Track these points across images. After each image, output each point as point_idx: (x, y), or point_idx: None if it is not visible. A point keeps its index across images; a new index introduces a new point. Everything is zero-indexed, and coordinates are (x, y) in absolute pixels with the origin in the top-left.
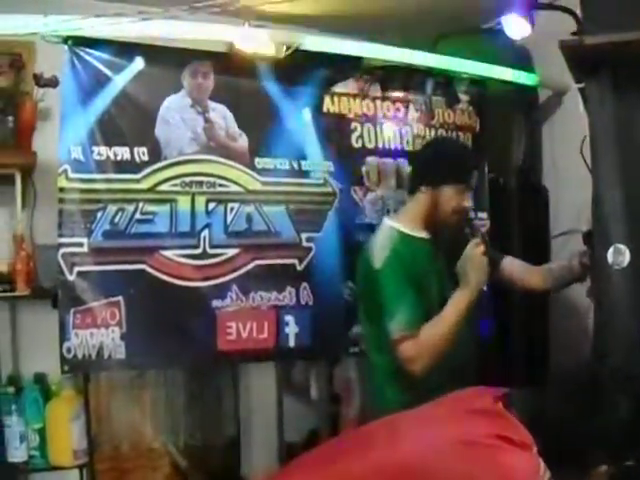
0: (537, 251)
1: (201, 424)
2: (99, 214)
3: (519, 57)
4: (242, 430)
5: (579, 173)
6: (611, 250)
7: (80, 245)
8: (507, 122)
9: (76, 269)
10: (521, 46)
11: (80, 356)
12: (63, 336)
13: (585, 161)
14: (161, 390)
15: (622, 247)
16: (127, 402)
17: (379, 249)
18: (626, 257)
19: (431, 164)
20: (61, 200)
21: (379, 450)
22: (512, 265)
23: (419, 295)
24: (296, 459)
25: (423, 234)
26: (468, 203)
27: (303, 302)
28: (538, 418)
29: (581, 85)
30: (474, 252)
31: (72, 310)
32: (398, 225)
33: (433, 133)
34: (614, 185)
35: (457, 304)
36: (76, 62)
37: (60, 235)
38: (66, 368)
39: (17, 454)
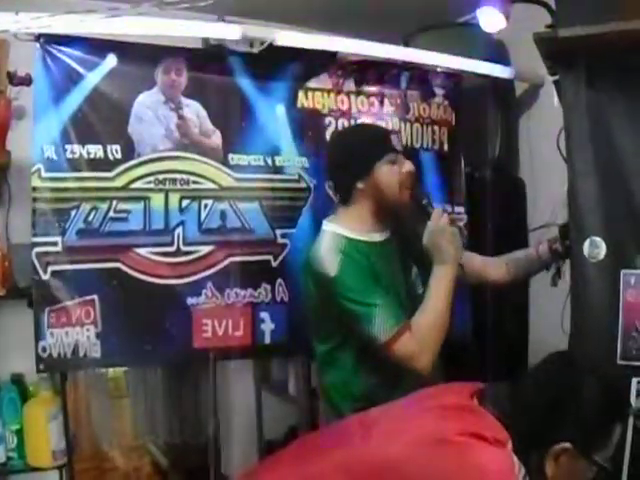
0: (515, 245)
1: (180, 422)
2: (73, 213)
3: (494, 50)
4: (221, 428)
5: (556, 166)
6: (587, 243)
7: (54, 244)
8: (483, 115)
9: (50, 268)
10: (496, 39)
11: (55, 355)
12: (38, 335)
13: (561, 154)
14: (140, 389)
15: (598, 240)
16: (106, 401)
17: (327, 256)
18: (602, 250)
19: (351, 157)
20: (35, 199)
21: (352, 448)
22: (470, 260)
23: (389, 291)
24: (271, 457)
25: (376, 236)
26: (410, 167)
27: (278, 298)
28: (513, 412)
29: (556, 78)
30: (441, 223)
31: (47, 309)
32: (343, 230)
33: (408, 127)
34: (589, 177)
35: (441, 282)
36: (48, 60)
37: (34, 234)
38: (41, 367)
39: None
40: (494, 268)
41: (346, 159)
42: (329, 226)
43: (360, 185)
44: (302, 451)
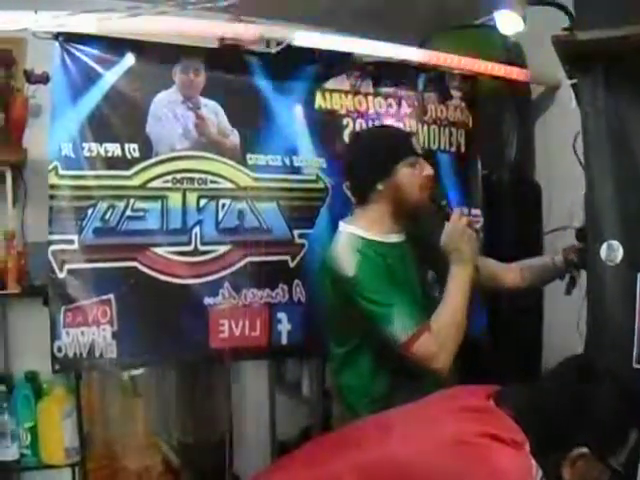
0: (530, 247)
1: (194, 422)
2: (90, 211)
3: (511, 52)
4: (234, 428)
5: (572, 169)
6: (604, 246)
7: (71, 242)
8: (500, 118)
9: (66, 267)
10: (514, 42)
11: (71, 355)
12: (54, 334)
13: (578, 157)
14: (153, 388)
15: (615, 243)
16: (119, 400)
17: (345, 256)
18: (619, 253)
19: (372, 158)
20: (51, 197)
21: (369, 450)
22: (485, 265)
23: (406, 291)
24: (285, 457)
25: (393, 237)
26: (430, 171)
27: (296, 299)
28: (529, 414)
29: (573, 81)
30: (460, 224)
31: (63, 308)
32: (360, 231)
33: (425, 129)
34: (607, 181)
35: (459, 282)
36: (67, 58)
37: (50, 232)
38: (57, 367)
39: (8, 453)
40: (509, 274)
41: (367, 160)
42: (346, 227)
43: (380, 186)
44: (316, 452)
